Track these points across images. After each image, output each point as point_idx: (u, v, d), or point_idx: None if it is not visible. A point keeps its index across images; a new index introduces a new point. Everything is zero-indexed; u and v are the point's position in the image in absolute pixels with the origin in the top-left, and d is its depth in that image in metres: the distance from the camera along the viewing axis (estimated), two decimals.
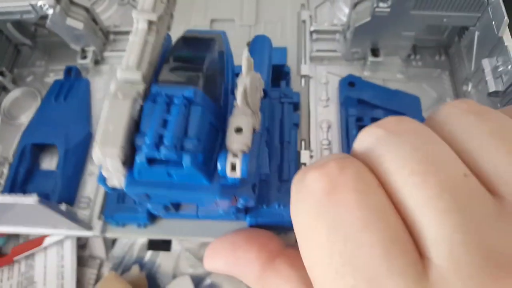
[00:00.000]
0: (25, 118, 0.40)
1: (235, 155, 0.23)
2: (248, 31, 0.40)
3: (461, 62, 0.34)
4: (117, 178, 0.26)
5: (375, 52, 0.36)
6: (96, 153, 0.22)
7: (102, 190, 0.36)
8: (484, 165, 0.13)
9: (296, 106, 0.35)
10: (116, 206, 0.33)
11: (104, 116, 0.23)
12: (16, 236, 0.48)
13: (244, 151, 0.23)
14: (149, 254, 0.51)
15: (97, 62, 0.42)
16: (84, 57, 0.41)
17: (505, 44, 0.28)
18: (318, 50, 0.39)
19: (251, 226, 0.31)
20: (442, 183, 0.12)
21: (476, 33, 0.33)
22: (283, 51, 0.38)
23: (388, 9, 0.31)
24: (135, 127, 0.23)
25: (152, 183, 0.24)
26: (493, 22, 0.30)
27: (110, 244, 0.53)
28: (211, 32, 0.28)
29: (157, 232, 0.33)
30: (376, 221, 0.13)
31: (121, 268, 0.50)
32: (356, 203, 0.13)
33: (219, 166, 0.22)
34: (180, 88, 0.23)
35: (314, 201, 0.15)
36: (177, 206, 0.31)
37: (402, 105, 0.34)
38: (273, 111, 0.34)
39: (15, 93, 0.42)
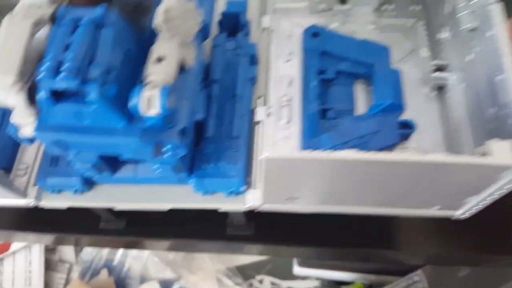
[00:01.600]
0: None
1: (154, 88, 0.19)
2: None
3: (437, 7, 0.31)
4: (28, 123, 0.22)
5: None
6: None
7: (41, 155, 0.32)
8: None
9: (253, 59, 0.31)
10: (49, 169, 0.29)
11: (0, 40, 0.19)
12: None
13: (165, 82, 0.19)
14: (118, 257, 0.51)
15: None
16: None
17: None
18: (282, 1, 0.35)
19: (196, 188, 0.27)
20: None
21: None
22: (243, 1, 0.34)
23: None
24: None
25: (63, 127, 0.21)
26: None
27: (79, 248, 0.51)
28: None
29: (94, 199, 0.29)
30: None
31: (90, 272, 0.49)
32: None
33: (131, 101, 0.19)
34: (91, 8, 0.19)
35: None
36: (111, 166, 0.27)
37: (370, 56, 0.30)
38: (227, 63, 0.30)
39: None
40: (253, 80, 0.31)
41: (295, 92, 0.31)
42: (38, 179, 0.29)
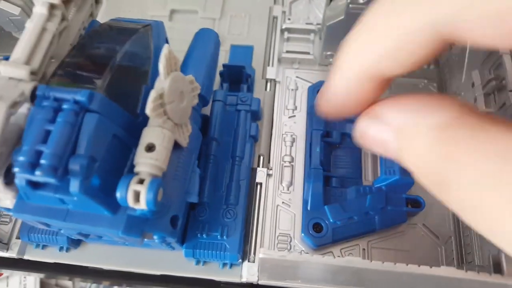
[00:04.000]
0: None
1: (141, 181, 0.17)
2: (212, 25, 0.35)
3: (451, 72, 0.29)
4: (7, 198, 0.21)
5: None
6: None
7: None
8: None
9: (255, 115, 0.29)
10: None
11: None
12: None
13: (154, 175, 0.18)
14: None
15: None
16: None
17: (500, 53, 0.23)
18: (288, 51, 0.33)
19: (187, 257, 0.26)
20: None
21: None
22: (248, 50, 0.33)
23: (364, 7, 0.26)
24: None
25: (44, 210, 0.19)
26: None
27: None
28: (143, 22, 0.23)
29: (81, 258, 0.28)
30: None
31: None
32: None
33: (117, 193, 0.17)
34: (75, 90, 0.18)
35: None
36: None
37: None
38: (227, 119, 0.29)
39: None
40: (254, 138, 0.29)
41: (298, 152, 0.30)
42: (21, 234, 0.28)
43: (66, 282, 0.50)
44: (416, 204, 0.26)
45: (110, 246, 0.27)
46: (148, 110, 0.17)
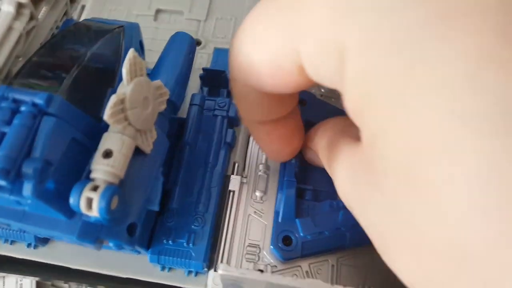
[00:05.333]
0: None
1: (96, 187, 0.17)
2: (197, 27, 0.35)
3: None
4: None
5: None
6: None
7: None
8: None
9: (232, 121, 0.29)
10: None
11: None
12: None
13: (110, 182, 0.17)
14: None
15: None
16: None
17: None
18: None
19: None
20: None
21: None
22: None
23: None
24: None
25: (1, 210, 0.19)
26: None
27: None
28: (116, 23, 0.23)
29: (48, 256, 0.27)
30: None
31: None
32: None
33: (71, 199, 0.17)
34: (34, 92, 0.17)
35: None
36: None
37: None
38: (203, 125, 0.28)
39: None
40: (230, 145, 0.29)
41: (274, 161, 0.29)
42: None
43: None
44: None
45: (79, 246, 0.27)
46: (106, 116, 0.17)
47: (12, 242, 0.28)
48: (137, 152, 0.19)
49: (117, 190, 0.17)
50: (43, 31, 0.21)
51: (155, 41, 0.33)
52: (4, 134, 0.17)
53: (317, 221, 0.26)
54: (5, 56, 0.19)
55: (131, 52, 0.18)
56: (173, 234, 0.25)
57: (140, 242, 0.24)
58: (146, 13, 0.35)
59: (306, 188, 0.28)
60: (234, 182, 0.28)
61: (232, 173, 0.29)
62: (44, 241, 0.27)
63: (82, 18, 0.27)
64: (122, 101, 0.17)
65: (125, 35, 0.21)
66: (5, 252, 0.28)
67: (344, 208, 0.26)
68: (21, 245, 0.28)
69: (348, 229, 0.26)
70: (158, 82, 0.20)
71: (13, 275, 0.47)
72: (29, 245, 0.28)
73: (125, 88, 0.18)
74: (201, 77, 0.30)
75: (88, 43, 0.20)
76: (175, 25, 0.34)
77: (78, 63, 0.19)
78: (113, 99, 0.17)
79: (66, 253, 0.27)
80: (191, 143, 0.27)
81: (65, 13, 0.23)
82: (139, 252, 0.26)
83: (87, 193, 0.17)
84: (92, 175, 0.17)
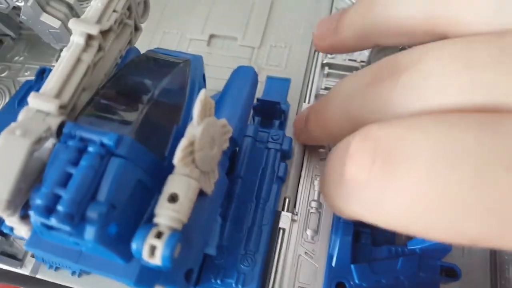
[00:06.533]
0: None
1: (160, 234, 0.16)
2: (250, 54, 0.34)
3: None
4: (22, 229, 0.20)
5: None
6: None
7: None
8: None
9: (285, 155, 0.28)
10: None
11: None
12: None
13: (174, 228, 0.17)
14: None
15: None
16: None
17: None
18: (327, 88, 0.32)
19: None
20: None
21: None
22: (285, 83, 0.31)
23: None
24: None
25: (57, 249, 0.18)
26: None
27: None
28: (182, 56, 0.22)
29: (90, 285, 0.27)
30: None
31: None
32: None
33: (133, 245, 0.16)
34: (103, 132, 0.17)
35: None
36: None
37: None
38: (255, 157, 0.27)
39: None
40: (282, 179, 0.28)
41: None
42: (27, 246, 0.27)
43: None
44: (451, 273, 0.24)
45: None
46: (176, 159, 0.16)
47: (57, 269, 0.28)
48: (199, 193, 0.19)
49: (181, 237, 0.16)
50: (108, 62, 0.20)
51: (208, 66, 0.32)
52: (69, 175, 0.16)
53: (374, 268, 0.24)
54: (73, 89, 0.18)
55: (203, 93, 0.17)
56: (221, 273, 0.24)
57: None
58: (200, 37, 0.35)
59: (363, 231, 0.26)
60: (285, 220, 0.27)
61: (283, 209, 0.27)
62: None
63: (138, 41, 0.27)
64: (191, 143, 0.17)
65: (191, 69, 0.21)
66: (49, 278, 0.27)
67: (403, 254, 0.25)
68: (65, 272, 0.27)
69: (407, 278, 0.24)
70: (223, 120, 0.19)
71: None
72: (73, 273, 0.27)
73: (195, 129, 0.17)
74: (254, 107, 0.29)
75: (156, 78, 0.19)
76: (228, 51, 0.34)
77: (149, 97, 0.18)
78: (184, 141, 0.16)
79: (110, 284, 0.27)
80: (243, 177, 0.26)
81: (129, 42, 0.22)
82: None
83: (151, 240, 0.16)
84: (156, 220, 0.17)
